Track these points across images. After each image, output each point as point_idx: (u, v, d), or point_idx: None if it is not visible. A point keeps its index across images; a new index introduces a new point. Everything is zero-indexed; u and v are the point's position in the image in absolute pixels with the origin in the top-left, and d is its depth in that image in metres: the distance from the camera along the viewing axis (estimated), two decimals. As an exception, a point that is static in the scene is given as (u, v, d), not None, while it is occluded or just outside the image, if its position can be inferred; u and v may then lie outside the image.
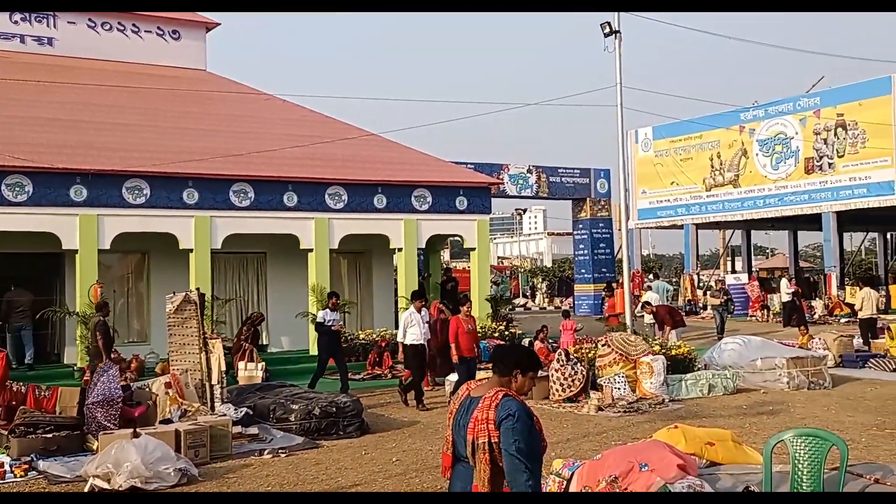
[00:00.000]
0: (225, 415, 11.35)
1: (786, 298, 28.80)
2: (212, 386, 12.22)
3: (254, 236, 19.29)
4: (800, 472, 5.95)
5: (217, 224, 18.42)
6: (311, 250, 19.48)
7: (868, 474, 6.10)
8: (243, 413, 11.85)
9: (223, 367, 12.64)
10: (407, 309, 15.62)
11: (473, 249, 21.46)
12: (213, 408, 11.88)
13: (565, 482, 6.88)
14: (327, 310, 15.70)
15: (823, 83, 35.92)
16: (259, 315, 18.00)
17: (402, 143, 22.77)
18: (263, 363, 16.34)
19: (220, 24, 24.73)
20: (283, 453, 10.53)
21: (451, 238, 25.85)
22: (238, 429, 11.19)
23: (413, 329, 14.55)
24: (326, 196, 19.53)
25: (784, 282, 30.43)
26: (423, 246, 21.37)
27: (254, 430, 11.49)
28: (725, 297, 27.22)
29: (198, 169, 18.20)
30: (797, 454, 5.99)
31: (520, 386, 4.35)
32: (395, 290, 21.95)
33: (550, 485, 7.04)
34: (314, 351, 17.26)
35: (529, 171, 35.00)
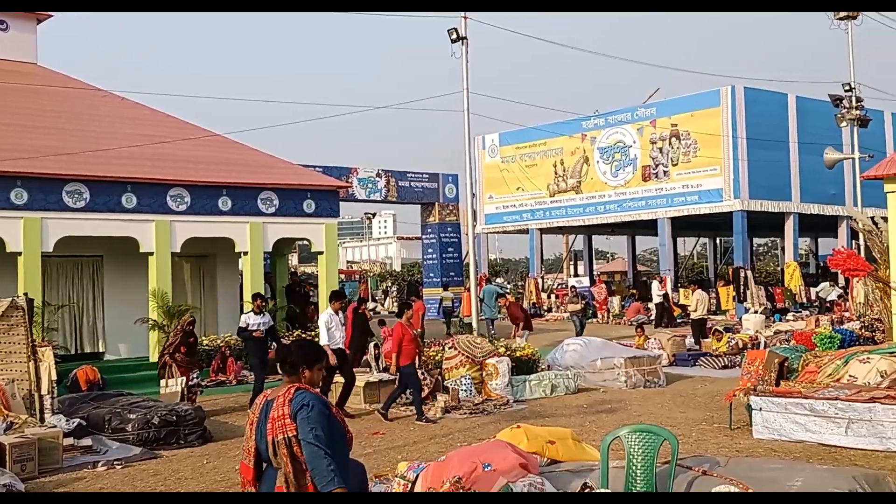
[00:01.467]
0: (55, 426, 10.76)
1: (657, 300, 29.93)
2: (41, 396, 11.56)
3: (90, 239, 18.39)
4: (634, 467, 6.17)
5: (48, 226, 17.46)
6: (151, 254, 18.76)
7: (697, 466, 6.38)
8: (76, 424, 11.26)
9: (54, 377, 12.00)
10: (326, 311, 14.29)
11: (321, 253, 21.25)
12: (42, 419, 11.24)
13: (410, 484, 6.88)
14: (250, 313, 14.63)
15: (659, 94, 37.67)
16: (189, 320, 15.97)
17: (248, 145, 22.29)
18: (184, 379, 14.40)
19: (52, 15, 23.48)
20: (118, 465, 10.09)
21: (299, 242, 25.50)
22: (70, 441, 10.64)
23: (333, 332, 13.66)
24: (168, 198, 18.87)
25: (655, 284, 31.51)
26: (270, 249, 20.99)
27: (87, 441, 10.96)
28: (584, 302, 27.92)
29: (28, 168, 17.20)
30: (632, 449, 6.21)
31: (310, 379, 4.48)
32: (241, 294, 21.45)
33: (395, 487, 7.03)
34: (154, 358, 16.57)
35: (378, 174, 35.01)
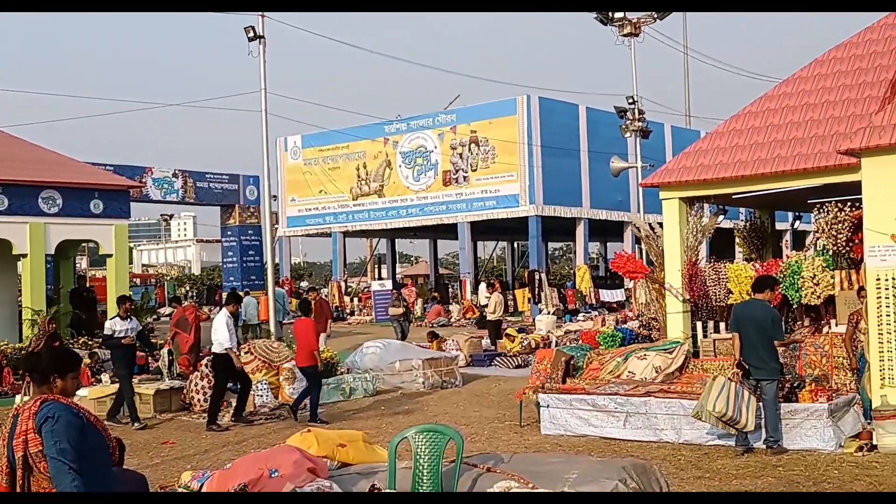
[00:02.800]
0: None
1: (484, 301, 30.29)
2: None
3: None
4: (421, 466, 6.24)
5: None
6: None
7: (482, 464, 6.53)
8: None
9: None
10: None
11: (110, 256, 20.22)
12: None
13: (193, 495, 6.65)
14: (116, 318, 13.39)
15: (459, 101, 38.59)
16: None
17: (29, 141, 20.89)
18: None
19: None
20: None
21: (87, 244, 24.15)
22: None
23: (231, 335, 12.85)
24: (-65, 195, 17.37)
25: (483, 286, 31.91)
26: (53, 252, 19.75)
27: None
28: (405, 306, 27.84)
29: None
30: (419, 449, 6.28)
31: (62, 389, 4.21)
32: (20, 300, 20.05)
33: (178, 499, 6.77)
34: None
35: (175, 175, 33.81)
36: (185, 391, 14.13)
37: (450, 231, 37.73)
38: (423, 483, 6.17)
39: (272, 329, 19.71)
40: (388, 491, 6.24)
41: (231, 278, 36.48)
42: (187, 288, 57.51)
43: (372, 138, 36.80)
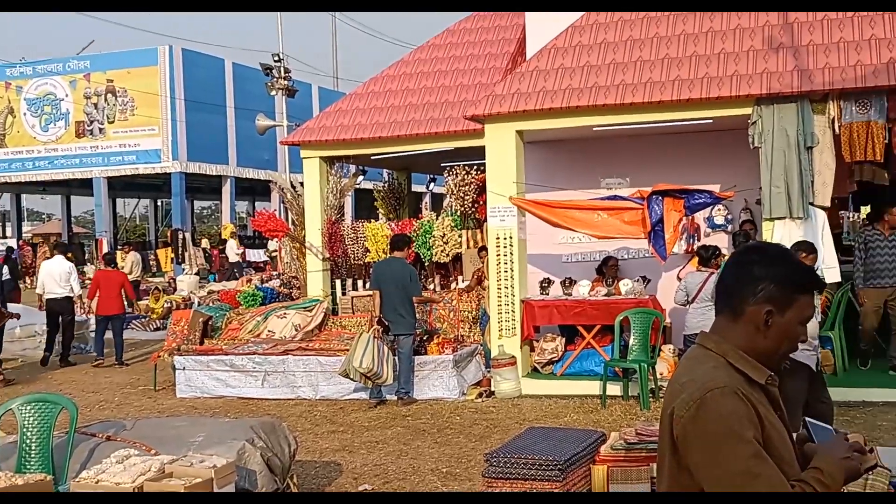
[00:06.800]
0: None
1: (234, 259, 28.28)
2: None
3: None
4: (29, 440, 5.69)
5: None
6: None
7: (101, 433, 6.11)
8: None
9: None
10: None
11: None
12: None
13: None
14: None
15: (94, 47, 35.81)
16: None
17: None
18: None
19: None
20: None
21: None
22: None
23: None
24: None
25: (231, 242, 29.55)
26: None
27: None
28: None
29: None
30: (26, 422, 5.72)
31: None
32: None
33: None
34: None
35: None
36: None
37: (86, 186, 35.07)
38: (30, 459, 5.63)
39: None
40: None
41: None
42: None
43: (-8, 82, 33.05)
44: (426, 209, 17.58)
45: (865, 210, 18.25)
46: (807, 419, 2.49)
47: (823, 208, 9.51)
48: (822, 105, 9.29)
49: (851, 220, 18.31)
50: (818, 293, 2.45)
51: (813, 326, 6.70)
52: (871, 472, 4.81)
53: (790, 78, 9.26)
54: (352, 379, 9.82)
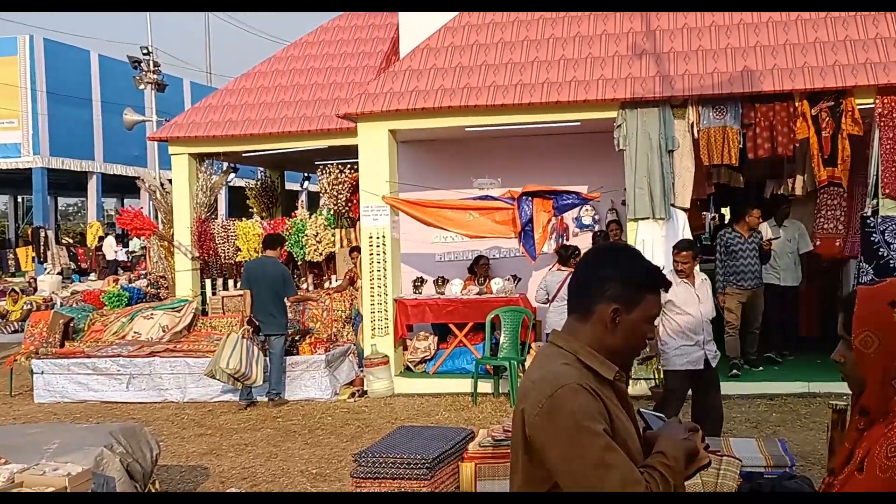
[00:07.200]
0: None
1: (112, 256, 27.10)
2: None
3: None
4: None
5: None
6: None
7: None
8: None
9: None
10: None
11: None
12: None
13: None
14: None
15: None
16: None
17: None
18: None
19: None
20: None
21: None
22: None
23: None
24: None
25: (110, 239, 27.95)
26: None
27: None
28: None
29: None
30: None
31: None
32: None
33: None
34: None
35: None
36: None
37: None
38: None
39: None
40: None
41: None
42: None
43: None
44: (302, 207, 17.39)
45: (725, 211, 19.10)
46: (641, 410, 2.58)
47: (684, 209, 9.89)
48: (682, 110, 9.67)
49: (714, 221, 19.12)
50: (664, 291, 2.53)
51: (697, 322, 6.91)
52: (722, 462, 5.03)
53: (653, 84, 9.60)
54: (218, 380, 9.62)
